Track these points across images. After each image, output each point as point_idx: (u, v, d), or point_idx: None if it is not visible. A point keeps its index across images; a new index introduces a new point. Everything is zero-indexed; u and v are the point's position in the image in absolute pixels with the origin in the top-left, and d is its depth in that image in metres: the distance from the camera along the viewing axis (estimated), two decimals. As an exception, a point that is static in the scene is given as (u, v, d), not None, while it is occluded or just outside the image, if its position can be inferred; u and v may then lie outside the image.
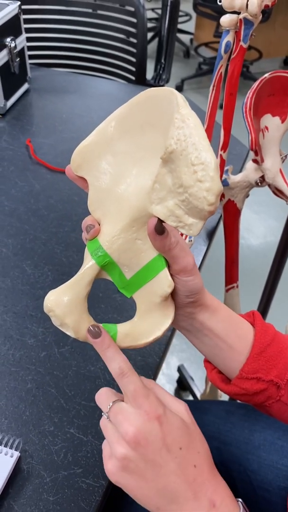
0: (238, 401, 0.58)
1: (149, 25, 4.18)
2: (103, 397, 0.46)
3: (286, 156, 0.79)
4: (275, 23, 3.68)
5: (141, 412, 0.43)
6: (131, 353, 0.72)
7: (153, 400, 0.44)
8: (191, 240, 0.84)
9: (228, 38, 0.65)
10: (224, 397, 1.40)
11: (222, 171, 0.79)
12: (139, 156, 0.43)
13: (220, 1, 0.61)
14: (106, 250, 0.44)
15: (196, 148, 0.36)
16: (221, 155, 0.77)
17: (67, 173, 0.47)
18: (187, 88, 3.75)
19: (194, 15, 4.11)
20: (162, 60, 1.52)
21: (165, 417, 0.43)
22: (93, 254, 0.44)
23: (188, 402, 0.92)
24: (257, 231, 2.45)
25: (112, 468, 0.44)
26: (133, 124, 0.43)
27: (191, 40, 4.39)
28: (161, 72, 1.53)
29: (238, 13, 0.63)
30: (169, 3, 1.40)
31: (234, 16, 0.62)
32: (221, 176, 0.80)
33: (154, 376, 0.70)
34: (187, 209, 0.39)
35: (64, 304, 0.44)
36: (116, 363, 0.44)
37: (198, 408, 0.85)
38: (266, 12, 2.94)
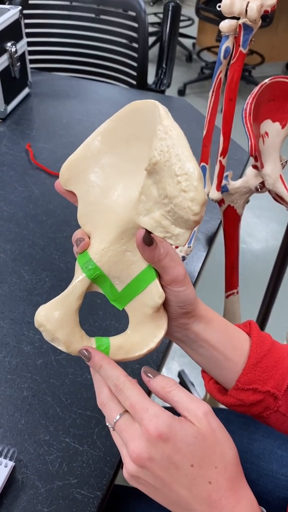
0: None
1: (151, 29, 4.18)
2: (108, 410, 0.44)
3: (286, 162, 0.78)
4: (278, 27, 3.68)
5: (142, 429, 0.41)
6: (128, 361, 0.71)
7: (154, 413, 0.41)
8: (190, 247, 0.83)
9: (227, 43, 0.64)
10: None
11: (221, 177, 0.79)
12: (126, 168, 0.43)
13: (219, 7, 0.60)
14: (96, 263, 0.44)
15: (180, 158, 0.37)
16: (220, 161, 0.77)
17: (56, 188, 0.47)
18: (189, 92, 3.75)
19: (196, 19, 4.11)
20: (164, 65, 1.52)
21: (171, 433, 0.40)
22: (84, 268, 0.44)
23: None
24: (259, 236, 2.44)
25: (126, 477, 0.43)
26: (119, 137, 0.43)
27: (194, 45, 4.39)
28: (162, 76, 1.52)
29: (238, 18, 0.62)
30: (170, 8, 1.40)
31: (233, 21, 0.62)
32: (220, 181, 0.79)
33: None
34: (173, 219, 0.39)
35: (55, 319, 0.44)
36: (110, 381, 0.43)
37: None
38: (268, 17, 2.94)
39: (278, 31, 3.72)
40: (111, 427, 0.44)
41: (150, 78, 1.61)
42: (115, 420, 0.43)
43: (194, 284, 0.86)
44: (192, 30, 4.43)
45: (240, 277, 0.99)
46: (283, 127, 0.73)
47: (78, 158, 0.45)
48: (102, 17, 1.56)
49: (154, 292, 0.44)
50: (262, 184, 0.78)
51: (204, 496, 0.41)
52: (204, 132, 0.76)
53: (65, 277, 0.83)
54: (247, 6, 0.59)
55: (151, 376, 0.44)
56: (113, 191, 0.44)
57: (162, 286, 0.44)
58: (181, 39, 4.29)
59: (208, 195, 0.82)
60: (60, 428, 0.62)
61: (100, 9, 1.54)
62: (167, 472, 0.40)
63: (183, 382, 1.76)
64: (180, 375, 1.78)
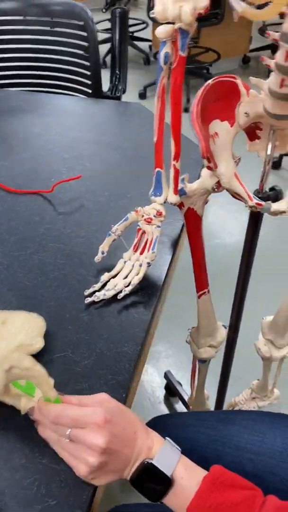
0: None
1: (106, 35, 4.18)
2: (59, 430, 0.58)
3: (239, 159, 0.79)
4: (229, 24, 3.71)
5: (92, 425, 0.55)
6: (101, 373, 0.71)
7: (93, 410, 0.57)
8: (154, 252, 0.83)
9: (165, 49, 0.64)
10: (211, 402, 1.39)
11: (177, 180, 0.79)
12: None
13: (152, 13, 0.60)
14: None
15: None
16: (174, 165, 0.77)
17: None
18: (150, 94, 3.77)
19: (150, 22, 4.13)
20: (117, 71, 1.52)
21: (111, 415, 0.56)
22: None
23: (212, 413, 0.94)
24: (232, 230, 2.46)
25: (86, 473, 0.55)
26: None
27: (150, 47, 4.42)
28: (116, 83, 1.52)
29: (173, 23, 0.63)
30: (117, 14, 1.41)
31: (169, 26, 0.62)
32: (176, 185, 0.79)
33: (127, 394, 0.69)
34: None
35: None
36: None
37: (222, 419, 0.85)
38: (219, 14, 2.97)
39: (231, 27, 3.77)
40: (66, 439, 0.56)
41: (110, 85, 1.61)
42: (68, 432, 0.56)
43: (162, 287, 0.86)
44: (147, 33, 4.45)
45: (216, 272, 1.00)
46: (231, 125, 0.73)
47: None
48: (51, 28, 1.56)
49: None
50: (218, 183, 0.78)
51: (133, 439, 0.58)
52: (155, 138, 0.76)
53: (31, 295, 0.82)
54: (180, 11, 0.59)
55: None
56: None
57: None
58: (137, 43, 4.31)
59: (167, 199, 0.82)
60: (36, 450, 0.61)
61: (47, 21, 1.53)
62: (115, 443, 0.55)
63: (170, 383, 1.75)
64: (166, 375, 1.78)
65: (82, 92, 1.61)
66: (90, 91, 1.57)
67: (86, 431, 0.55)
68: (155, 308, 0.83)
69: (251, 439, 0.78)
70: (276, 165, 2.88)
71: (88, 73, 1.53)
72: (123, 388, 0.69)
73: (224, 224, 2.50)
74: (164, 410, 1.74)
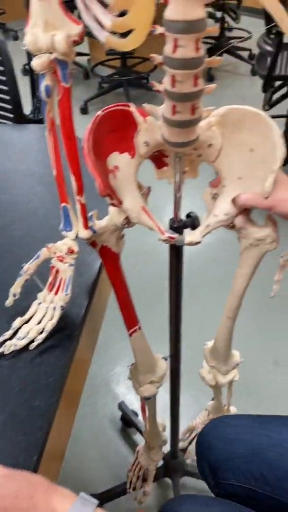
0: None
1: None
2: None
3: (149, 189, 0.74)
4: (165, 33, 3.72)
5: None
6: (11, 434, 0.65)
7: None
8: (67, 294, 0.77)
9: (45, 82, 0.59)
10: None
11: (85, 215, 0.73)
12: None
13: (24, 45, 0.55)
14: None
15: None
16: (79, 200, 0.71)
17: None
18: (92, 108, 3.71)
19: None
20: (37, 93, 1.46)
21: None
22: None
23: (275, 418, 0.89)
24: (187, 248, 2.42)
25: None
26: None
27: (89, 61, 4.37)
28: (38, 105, 1.46)
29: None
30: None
31: (44, 57, 0.56)
32: (86, 219, 0.73)
33: (39, 456, 0.63)
34: None
35: None
36: None
37: (286, 424, 0.84)
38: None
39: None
40: None
41: (31, 108, 1.54)
42: None
43: (81, 326, 0.80)
44: (85, 46, 4.40)
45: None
46: (132, 156, 0.68)
47: None
48: None
49: None
50: (128, 219, 0.73)
51: (30, 506, 0.53)
52: (54, 173, 0.71)
53: None
54: (52, 41, 0.54)
55: None
56: None
57: None
58: (76, 58, 4.24)
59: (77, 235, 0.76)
60: None
61: None
62: None
63: (125, 414, 1.67)
64: (121, 406, 1.70)
65: (4, 117, 1.53)
66: (12, 115, 1.50)
67: None
68: (73, 351, 0.77)
69: None
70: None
71: (8, 97, 1.46)
72: (35, 449, 0.63)
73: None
74: (121, 441, 1.66)
